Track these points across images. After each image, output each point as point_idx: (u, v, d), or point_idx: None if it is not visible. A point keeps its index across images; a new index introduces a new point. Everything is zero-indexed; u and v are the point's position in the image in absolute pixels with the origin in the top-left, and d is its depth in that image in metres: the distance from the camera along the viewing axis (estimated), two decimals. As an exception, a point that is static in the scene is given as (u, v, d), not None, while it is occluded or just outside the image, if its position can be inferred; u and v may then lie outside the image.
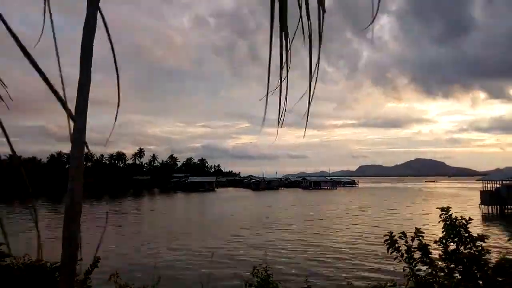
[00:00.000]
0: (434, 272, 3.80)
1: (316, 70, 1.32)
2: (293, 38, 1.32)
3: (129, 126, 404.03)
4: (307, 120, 1.43)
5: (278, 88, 1.39)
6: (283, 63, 1.34)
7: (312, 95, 1.33)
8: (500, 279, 3.56)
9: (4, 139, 1.29)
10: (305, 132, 1.57)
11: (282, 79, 1.35)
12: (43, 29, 1.32)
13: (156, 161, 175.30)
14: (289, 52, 1.33)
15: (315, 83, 1.33)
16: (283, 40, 1.33)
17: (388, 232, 4.24)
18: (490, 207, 46.15)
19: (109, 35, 1.36)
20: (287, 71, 1.35)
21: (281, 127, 1.42)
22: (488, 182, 52.81)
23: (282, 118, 1.40)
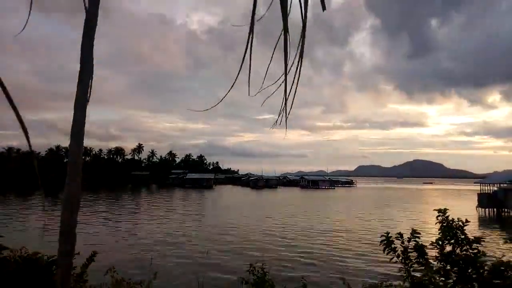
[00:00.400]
0: (429, 274, 3.81)
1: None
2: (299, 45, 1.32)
3: (132, 123, 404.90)
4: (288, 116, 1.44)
5: (279, 90, 1.41)
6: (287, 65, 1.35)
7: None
8: (496, 281, 3.56)
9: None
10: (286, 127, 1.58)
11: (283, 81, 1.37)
12: (26, 24, 1.32)
13: (155, 157, 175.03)
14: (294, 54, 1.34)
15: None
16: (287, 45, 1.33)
17: (384, 233, 4.24)
18: (487, 209, 46.24)
19: (89, 38, 1.35)
20: (286, 74, 1.37)
21: (283, 127, 1.44)
22: (486, 184, 52.91)
23: (286, 119, 1.42)
